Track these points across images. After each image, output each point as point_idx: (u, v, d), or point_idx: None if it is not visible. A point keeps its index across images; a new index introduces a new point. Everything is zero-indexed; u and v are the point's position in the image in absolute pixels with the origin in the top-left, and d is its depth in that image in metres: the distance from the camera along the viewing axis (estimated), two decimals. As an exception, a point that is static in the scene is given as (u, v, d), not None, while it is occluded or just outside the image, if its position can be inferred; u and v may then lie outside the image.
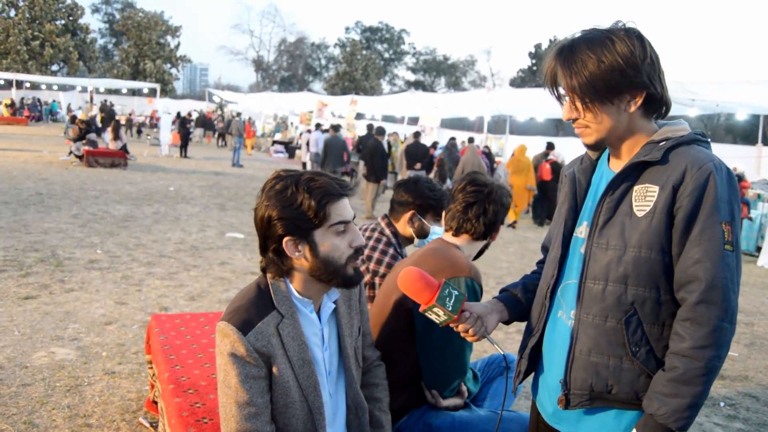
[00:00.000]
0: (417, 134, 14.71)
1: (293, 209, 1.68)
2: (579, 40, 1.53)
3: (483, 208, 2.26)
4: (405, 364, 2.20)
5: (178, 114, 25.22)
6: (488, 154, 15.65)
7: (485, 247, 2.43)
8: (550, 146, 13.71)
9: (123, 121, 25.55)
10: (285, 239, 1.71)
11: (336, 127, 14.48)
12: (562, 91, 1.57)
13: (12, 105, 36.54)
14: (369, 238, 3.04)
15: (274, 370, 1.71)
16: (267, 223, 1.71)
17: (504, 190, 2.33)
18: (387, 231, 3.02)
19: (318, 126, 19.40)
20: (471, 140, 15.59)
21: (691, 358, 1.44)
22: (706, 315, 1.43)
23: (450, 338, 2.12)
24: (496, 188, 2.30)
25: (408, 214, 2.95)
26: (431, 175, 15.26)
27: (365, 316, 2.05)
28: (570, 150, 16.69)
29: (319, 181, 1.72)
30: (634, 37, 1.50)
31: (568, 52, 1.53)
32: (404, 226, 2.99)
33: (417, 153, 13.75)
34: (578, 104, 1.55)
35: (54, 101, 42.21)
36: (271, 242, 1.73)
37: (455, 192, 2.31)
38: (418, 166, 13.63)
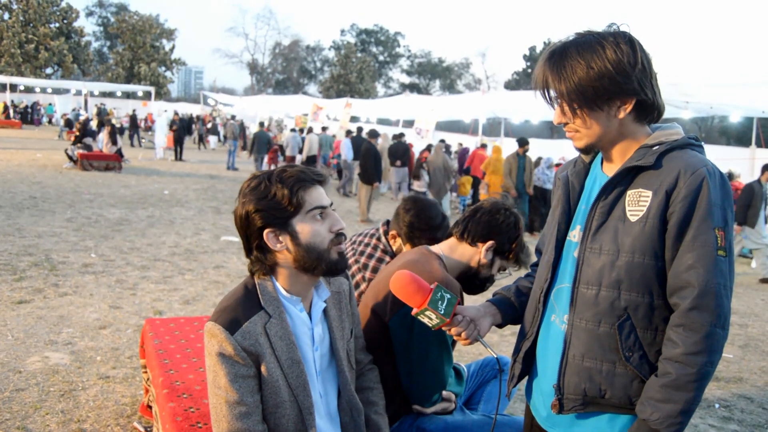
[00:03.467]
0: (400, 135, 16.25)
1: (268, 200, 1.72)
2: (569, 45, 1.53)
3: (475, 212, 2.29)
4: (388, 374, 2.18)
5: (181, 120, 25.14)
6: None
7: (477, 277, 2.33)
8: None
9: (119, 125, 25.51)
10: (265, 231, 1.73)
11: (261, 124, 21.45)
12: (553, 94, 1.57)
13: (6, 109, 36.41)
14: (367, 245, 3.02)
15: (263, 369, 1.71)
16: (246, 219, 1.74)
17: (513, 216, 2.29)
18: (384, 239, 3.01)
19: (348, 132, 18.95)
20: (457, 141, 16.04)
21: (683, 364, 1.44)
22: (699, 321, 1.43)
23: (427, 355, 2.11)
24: (501, 207, 2.29)
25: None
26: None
27: (356, 319, 2.04)
28: (564, 153, 16.70)
29: (290, 171, 1.76)
30: (625, 42, 1.48)
31: (558, 57, 1.53)
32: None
33: (398, 152, 15.19)
34: (567, 110, 1.55)
35: (50, 104, 42.12)
36: (253, 238, 1.76)
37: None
38: (399, 163, 15.02)
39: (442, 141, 17.18)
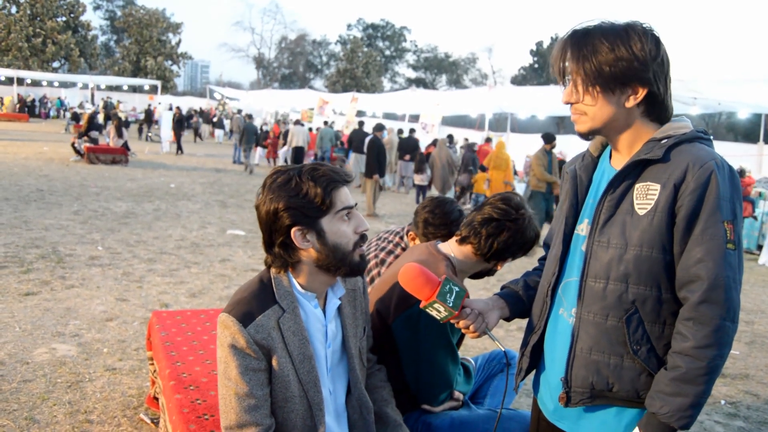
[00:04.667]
0: (411, 130, 17.02)
1: (300, 198, 1.68)
2: (595, 28, 1.53)
3: (500, 230, 2.13)
4: (391, 372, 2.16)
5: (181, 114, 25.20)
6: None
7: (487, 272, 2.33)
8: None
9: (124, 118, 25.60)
10: (293, 229, 1.70)
11: (250, 116, 21.48)
12: (568, 68, 1.55)
13: (20, 102, 36.60)
14: (390, 241, 3.02)
15: (274, 363, 1.71)
16: (273, 215, 1.70)
17: (533, 229, 2.17)
18: (406, 238, 3.01)
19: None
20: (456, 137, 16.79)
21: (693, 358, 1.43)
22: (708, 314, 1.42)
23: (433, 356, 2.10)
24: (526, 218, 2.16)
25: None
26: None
27: (368, 317, 2.04)
28: (570, 147, 16.63)
29: (322, 170, 1.72)
30: (651, 37, 1.50)
31: (582, 35, 1.53)
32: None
33: (408, 146, 15.79)
34: (580, 87, 1.54)
35: (58, 99, 42.31)
36: (278, 235, 1.72)
37: (485, 203, 2.21)
38: (408, 157, 15.57)
39: (450, 136, 17.13)
